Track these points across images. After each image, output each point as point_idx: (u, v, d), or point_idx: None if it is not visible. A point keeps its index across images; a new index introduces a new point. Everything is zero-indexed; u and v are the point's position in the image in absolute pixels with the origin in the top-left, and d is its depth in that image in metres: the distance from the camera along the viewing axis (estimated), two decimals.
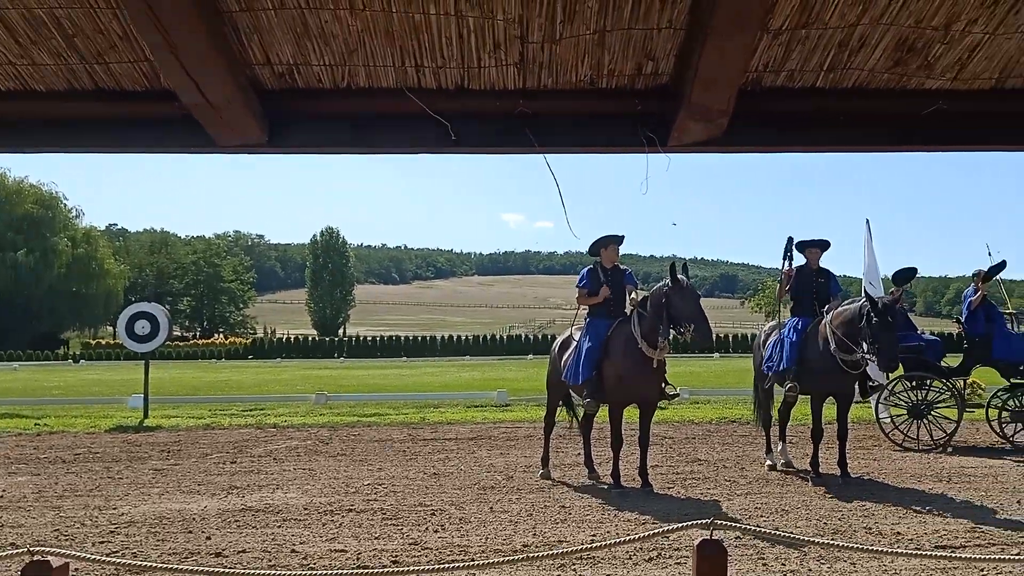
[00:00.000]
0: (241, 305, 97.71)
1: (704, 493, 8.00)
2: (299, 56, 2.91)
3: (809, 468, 8.62)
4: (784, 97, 3.13)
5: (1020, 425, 10.96)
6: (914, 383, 11.47)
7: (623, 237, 8.59)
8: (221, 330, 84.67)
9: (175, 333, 64.39)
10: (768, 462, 9.36)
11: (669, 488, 8.24)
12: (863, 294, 9.60)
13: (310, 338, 68.15)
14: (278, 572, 5.33)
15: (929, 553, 4.90)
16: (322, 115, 3.16)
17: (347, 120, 3.16)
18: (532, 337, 63.59)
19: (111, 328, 73.43)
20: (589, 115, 3.20)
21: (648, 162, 3.16)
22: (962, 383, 11.76)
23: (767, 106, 3.13)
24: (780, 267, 9.22)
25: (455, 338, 59.24)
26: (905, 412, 11.18)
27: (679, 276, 7.57)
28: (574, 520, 6.91)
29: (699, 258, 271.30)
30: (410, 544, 6.09)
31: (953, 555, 4.87)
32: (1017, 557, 4.63)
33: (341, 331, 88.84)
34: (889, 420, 11.28)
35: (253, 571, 5.14)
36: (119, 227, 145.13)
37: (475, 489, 8.23)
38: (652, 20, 2.74)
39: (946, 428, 10.93)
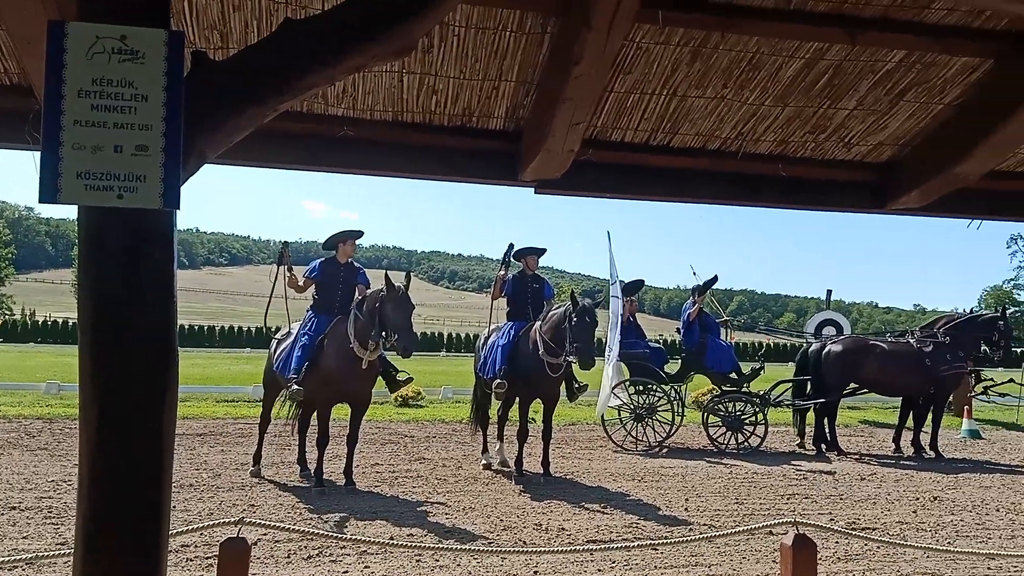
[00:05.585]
0: None
1: (407, 491, 8.10)
2: None
3: (513, 467, 9.02)
4: (624, 150, 3.50)
5: (725, 430, 11.96)
6: (639, 387, 12.32)
7: (361, 233, 8.79)
8: None
9: None
10: (483, 461, 9.65)
11: (377, 487, 8.28)
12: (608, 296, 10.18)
13: (72, 322, 62.64)
14: None
15: (555, 549, 5.21)
16: None
17: None
18: None
19: None
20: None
21: None
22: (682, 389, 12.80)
23: (609, 156, 3.51)
24: (497, 271, 9.54)
25: (236, 329, 56.36)
26: (629, 414, 11.95)
27: (396, 284, 7.59)
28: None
29: None
30: (59, 544, 5.69)
31: (590, 549, 5.23)
32: (631, 544, 5.04)
33: None
34: (616, 422, 11.94)
35: None
36: None
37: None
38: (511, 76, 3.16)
39: (667, 431, 11.79)
